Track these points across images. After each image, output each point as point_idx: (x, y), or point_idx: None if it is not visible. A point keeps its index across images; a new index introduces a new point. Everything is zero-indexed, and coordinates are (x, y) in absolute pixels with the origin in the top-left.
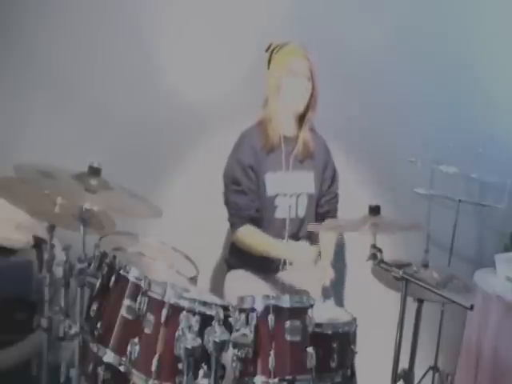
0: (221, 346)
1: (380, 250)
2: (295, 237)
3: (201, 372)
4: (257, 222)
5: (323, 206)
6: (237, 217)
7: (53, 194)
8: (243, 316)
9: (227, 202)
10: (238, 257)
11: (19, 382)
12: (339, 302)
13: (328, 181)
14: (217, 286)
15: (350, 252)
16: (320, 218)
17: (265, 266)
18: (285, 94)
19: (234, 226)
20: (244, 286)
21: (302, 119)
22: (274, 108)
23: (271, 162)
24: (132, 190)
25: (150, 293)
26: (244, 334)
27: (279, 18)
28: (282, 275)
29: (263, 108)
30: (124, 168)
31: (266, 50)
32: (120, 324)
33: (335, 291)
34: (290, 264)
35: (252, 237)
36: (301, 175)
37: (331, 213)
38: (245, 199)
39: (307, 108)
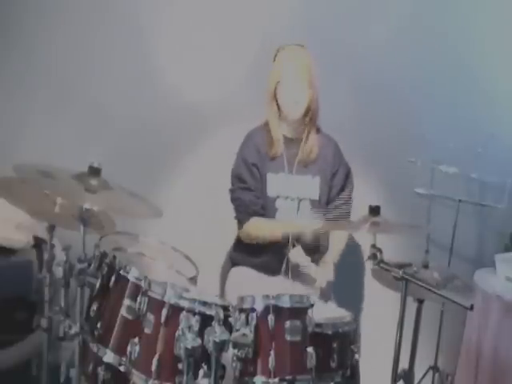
0: (221, 346)
1: (380, 250)
2: (297, 241)
3: (201, 372)
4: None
5: (332, 212)
6: (244, 213)
7: (53, 194)
8: (243, 316)
9: (233, 199)
10: (241, 254)
11: (19, 382)
12: (339, 302)
13: (337, 187)
14: (217, 286)
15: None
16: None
17: (268, 264)
18: (279, 99)
19: (241, 222)
20: (247, 282)
21: (303, 123)
22: (271, 113)
23: (273, 162)
24: (132, 190)
25: (150, 293)
26: (244, 334)
27: (281, 18)
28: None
29: None
30: (124, 168)
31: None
32: (120, 324)
33: (335, 291)
34: (294, 246)
35: (259, 225)
36: (304, 180)
37: (342, 218)
38: (250, 196)
39: (306, 113)
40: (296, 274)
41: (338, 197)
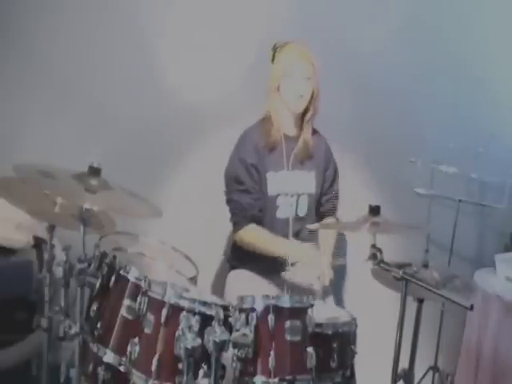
0: (221, 346)
1: (380, 250)
2: (297, 237)
3: (201, 372)
4: (259, 221)
5: (324, 205)
6: (240, 216)
7: (53, 194)
8: (243, 316)
9: (230, 202)
10: (240, 256)
11: (19, 382)
12: (339, 302)
13: (329, 180)
14: (217, 286)
15: (350, 252)
16: (321, 216)
17: (267, 266)
18: (283, 94)
19: (237, 225)
20: (246, 285)
21: (303, 119)
22: (274, 107)
23: (273, 161)
24: (132, 190)
25: (150, 293)
26: (244, 334)
27: (280, 18)
28: (285, 275)
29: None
30: (124, 168)
31: (272, 49)
32: (120, 324)
33: (335, 291)
34: (293, 265)
35: (256, 236)
36: (301, 175)
37: (331, 211)
38: (248, 198)
39: (307, 109)
40: (294, 287)
41: (329, 190)
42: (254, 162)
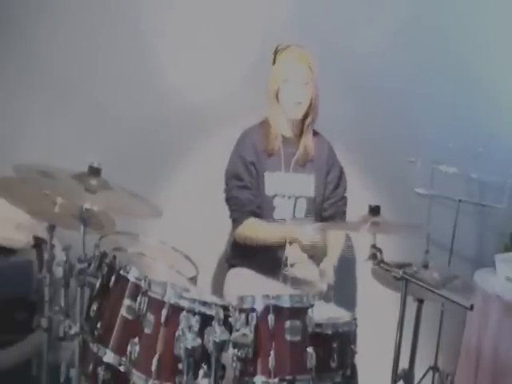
0: (221, 346)
1: (380, 250)
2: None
3: (201, 372)
4: (258, 218)
5: (327, 210)
6: (239, 212)
7: (53, 194)
8: (243, 316)
9: (229, 198)
10: (239, 255)
11: (19, 382)
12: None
13: (332, 184)
14: (217, 286)
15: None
16: (325, 221)
17: (266, 265)
18: (282, 99)
19: (236, 221)
20: (244, 284)
21: (303, 123)
22: (273, 112)
23: (271, 161)
24: (132, 190)
25: (150, 293)
26: (244, 334)
27: (281, 19)
28: (286, 272)
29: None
30: (124, 168)
31: (274, 52)
32: (120, 324)
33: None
34: (292, 266)
35: (256, 228)
36: (300, 178)
37: (337, 216)
38: (247, 194)
39: (307, 114)
40: (295, 281)
41: (332, 194)
42: (252, 160)
